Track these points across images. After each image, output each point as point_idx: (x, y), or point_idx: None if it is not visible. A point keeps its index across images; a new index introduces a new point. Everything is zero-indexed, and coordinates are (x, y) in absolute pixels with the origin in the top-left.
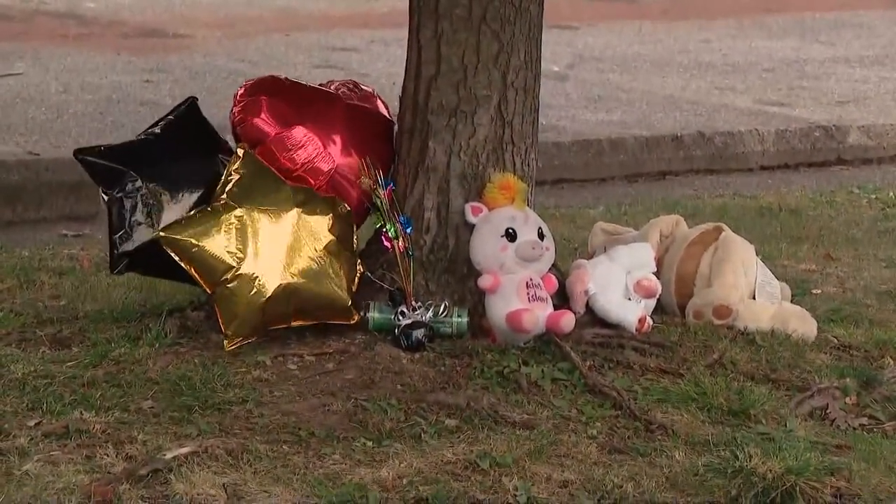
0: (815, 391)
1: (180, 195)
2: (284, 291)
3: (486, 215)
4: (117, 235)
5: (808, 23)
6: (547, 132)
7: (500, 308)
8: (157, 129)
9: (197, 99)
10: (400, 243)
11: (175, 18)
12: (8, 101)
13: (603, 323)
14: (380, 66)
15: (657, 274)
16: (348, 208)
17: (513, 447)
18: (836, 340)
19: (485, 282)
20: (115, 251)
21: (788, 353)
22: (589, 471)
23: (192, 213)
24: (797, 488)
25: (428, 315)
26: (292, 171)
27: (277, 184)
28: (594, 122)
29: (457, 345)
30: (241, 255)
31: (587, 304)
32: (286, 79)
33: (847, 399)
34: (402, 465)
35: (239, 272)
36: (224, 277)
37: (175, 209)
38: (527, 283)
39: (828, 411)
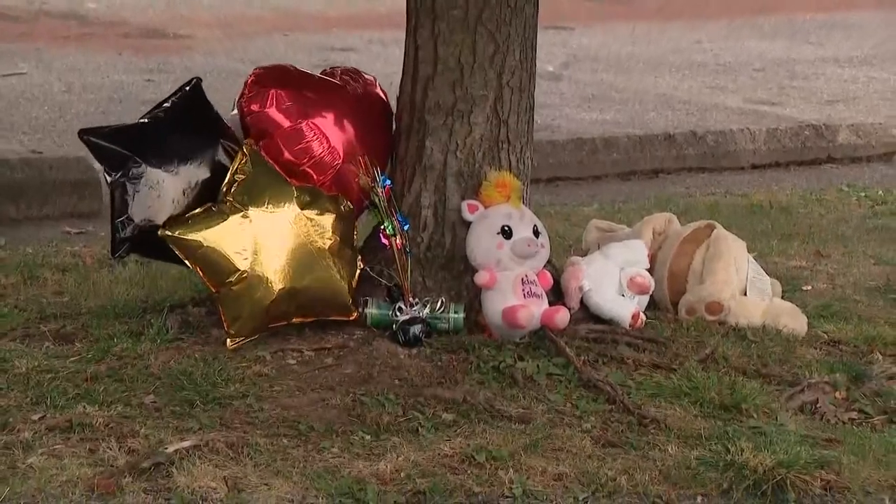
0: (806, 386)
1: (183, 180)
2: (288, 292)
3: (483, 213)
4: (119, 220)
5: (799, 24)
6: (542, 131)
7: (497, 304)
8: (160, 112)
9: (201, 80)
10: (398, 241)
11: (176, 19)
12: (11, 101)
13: (597, 319)
14: (378, 66)
15: (650, 271)
16: (350, 206)
17: (508, 441)
18: (826, 336)
19: (481, 278)
20: (117, 235)
21: (779, 348)
22: (583, 464)
23: (199, 211)
24: (788, 481)
25: (425, 311)
26: (298, 165)
27: (283, 184)
28: (588, 121)
29: (453, 340)
30: (247, 257)
31: (581, 301)
32: (294, 68)
33: (837, 394)
34: (399, 459)
35: (245, 275)
36: (229, 279)
37: (178, 195)
38: (522, 279)
39: (818, 406)
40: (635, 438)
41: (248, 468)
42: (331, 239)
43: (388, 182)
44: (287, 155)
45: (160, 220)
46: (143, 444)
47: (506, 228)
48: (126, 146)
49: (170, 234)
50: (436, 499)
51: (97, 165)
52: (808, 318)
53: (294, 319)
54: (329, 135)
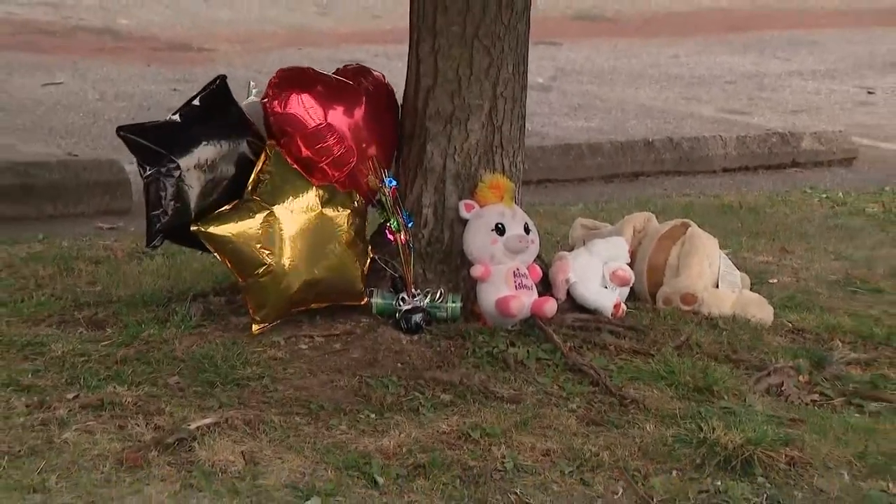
0: (772, 370)
1: (212, 173)
2: (309, 283)
3: (478, 211)
4: (155, 213)
5: (767, 40)
6: (532, 137)
7: (491, 295)
8: (190, 109)
9: (226, 77)
10: (402, 236)
11: (200, 34)
12: (50, 108)
13: (582, 308)
14: None
15: (630, 265)
16: (363, 201)
17: (501, 419)
18: (790, 325)
19: (476, 271)
20: (153, 227)
21: (748, 336)
22: (569, 441)
23: (227, 208)
24: (755, 457)
25: (425, 301)
26: (317, 162)
27: (304, 183)
28: (574, 129)
29: (451, 328)
30: (273, 251)
31: (568, 292)
32: (313, 71)
33: (800, 377)
34: (402, 435)
35: (271, 268)
36: (257, 272)
37: (207, 188)
38: (514, 272)
39: (783, 388)
40: (616, 418)
41: (264, 443)
42: (346, 233)
43: (394, 183)
44: (307, 153)
45: (190, 212)
46: (168, 421)
47: (499, 226)
48: (160, 143)
49: (201, 229)
50: (434, 472)
51: (128, 166)
52: (773, 308)
53: (312, 305)
54: (346, 135)
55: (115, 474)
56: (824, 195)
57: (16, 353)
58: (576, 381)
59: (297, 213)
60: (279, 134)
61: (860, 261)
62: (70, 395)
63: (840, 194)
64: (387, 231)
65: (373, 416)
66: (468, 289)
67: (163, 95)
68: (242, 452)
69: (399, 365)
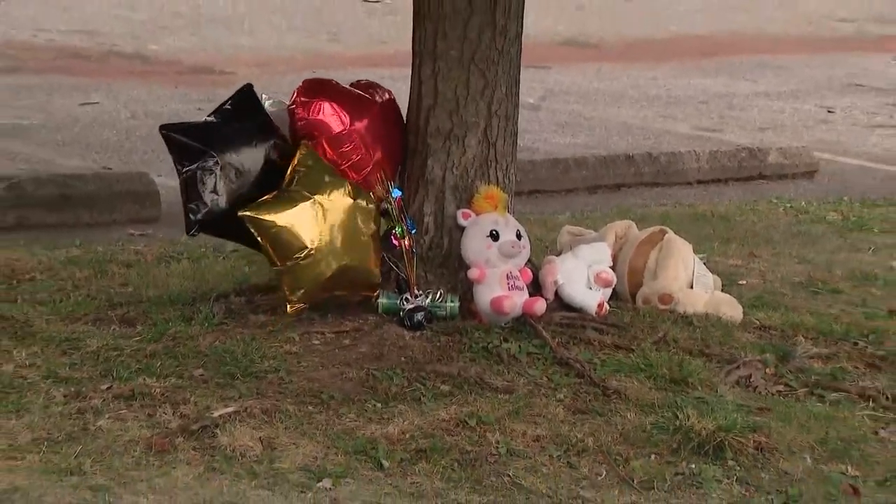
0: (741, 363)
1: (243, 169)
2: (341, 270)
3: (475, 219)
4: (193, 204)
5: (736, 64)
6: (524, 152)
7: (486, 295)
8: (221, 113)
9: (252, 85)
10: (406, 242)
11: (222, 59)
12: (86, 125)
13: (568, 307)
14: None
15: (613, 268)
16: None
17: (495, 408)
18: (758, 322)
19: (473, 274)
20: (191, 217)
21: (719, 332)
22: (557, 428)
23: (270, 197)
24: (726, 443)
25: (427, 300)
26: (339, 165)
27: (336, 177)
28: (562, 144)
29: (450, 325)
30: (312, 238)
31: (556, 292)
32: (336, 83)
33: (767, 370)
34: (405, 423)
35: (310, 252)
36: (296, 256)
37: (239, 183)
38: (507, 274)
39: (751, 380)
40: (600, 407)
41: (280, 430)
42: (372, 227)
43: (399, 193)
44: (331, 155)
45: (224, 204)
46: (193, 409)
47: (494, 232)
48: (200, 140)
49: (249, 214)
50: (435, 456)
51: (157, 179)
52: (743, 307)
53: (336, 292)
54: (365, 141)
55: (144, 458)
56: (788, 205)
57: (55, 348)
58: (563, 374)
59: (334, 202)
60: (307, 138)
61: (821, 264)
62: (104, 386)
63: (803, 204)
64: (392, 237)
65: (379, 405)
66: (465, 289)
67: (189, 114)
68: (260, 438)
69: (403, 359)
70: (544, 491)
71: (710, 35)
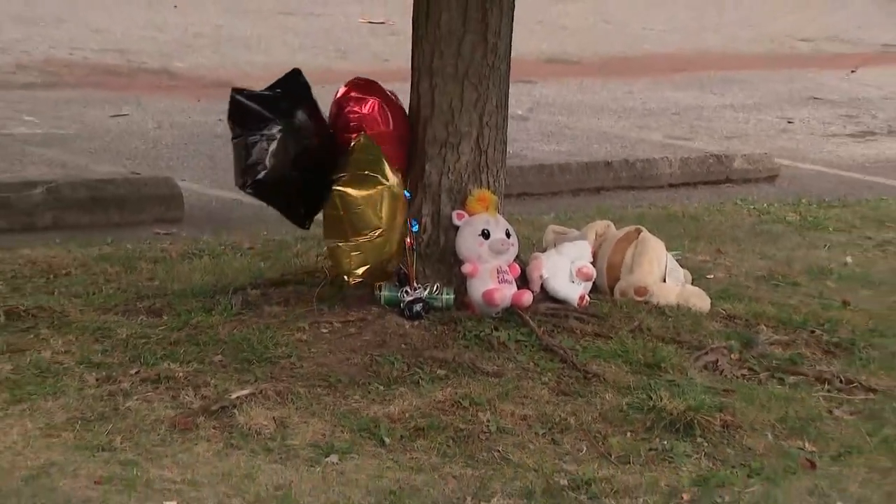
0: (709, 349)
1: (292, 146)
2: (396, 252)
3: (468, 220)
4: (255, 164)
5: (705, 79)
6: (513, 159)
7: (478, 288)
8: (276, 89)
9: (300, 70)
10: (408, 240)
11: (240, 74)
12: (117, 135)
13: (553, 299)
14: None
15: (593, 263)
16: None
17: (486, 390)
18: (724, 312)
19: (466, 269)
20: (249, 179)
21: (689, 321)
22: (542, 408)
23: (350, 176)
24: (695, 421)
25: (425, 293)
26: None
27: (393, 168)
28: (548, 152)
29: (446, 315)
30: (384, 218)
31: (542, 286)
32: (379, 84)
33: (732, 355)
34: (405, 403)
35: (382, 232)
36: (369, 234)
37: (286, 157)
38: (497, 269)
39: (718, 364)
40: (581, 389)
41: (292, 410)
42: (402, 218)
43: (408, 195)
44: None
45: (278, 171)
46: (213, 392)
47: (485, 231)
48: (266, 109)
49: (341, 189)
50: (432, 433)
51: (181, 183)
52: (710, 299)
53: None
54: (396, 142)
55: (169, 436)
56: (752, 206)
57: (88, 337)
58: (548, 359)
59: (393, 190)
60: (351, 131)
61: (781, 260)
62: (132, 371)
63: (765, 205)
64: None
65: (381, 387)
66: (460, 283)
67: (209, 124)
68: (274, 418)
69: (403, 346)
70: (531, 465)
71: (680, 53)
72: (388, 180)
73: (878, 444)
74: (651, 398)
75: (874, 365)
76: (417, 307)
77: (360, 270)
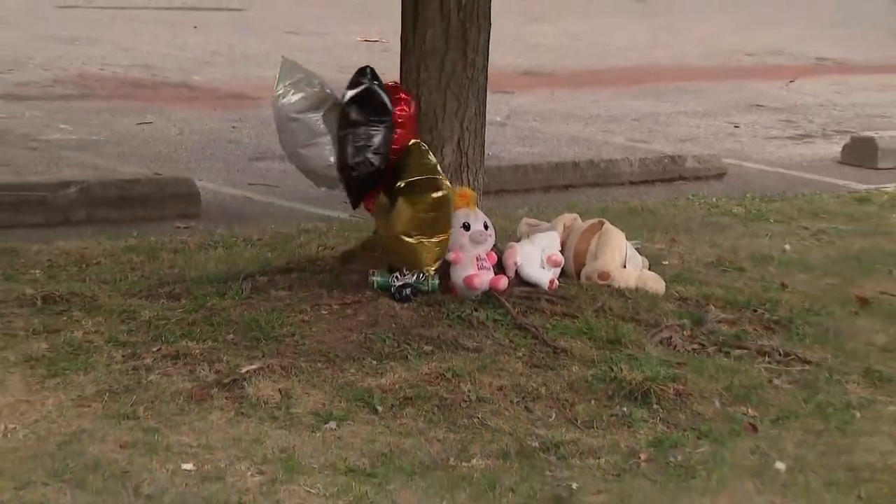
0: (664, 327)
1: (391, 134)
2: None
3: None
4: (375, 150)
5: (661, 89)
6: (491, 160)
7: (460, 274)
8: (362, 90)
9: (368, 67)
10: None
11: (251, 86)
12: (143, 140)
13: (526, 283)
14: None
15: (561, 251)
16: None
17: (467, 364)
18: (677, 294)
19: (450, 257)
20: (362, 163)
21: (647, 302)
22: (516, 379)
23: (430, 178)
24: (651, 390)
25: (413, 278)
26: None
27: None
28: (522, 153)
29: (431, 298)
30: (451, 220)
31: (516, 272)
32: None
33: (684, 332)
34: (395, 376)
35: (447, 235)
36: (447, 232)
37: (388, 144)
38: (477, 257)
39: (672, 340)
40: (551, 362)
41: (295, 383)
42: None
43: None
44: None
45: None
46: (226, 367)
47: (466, 224)
48: (389, 101)
49: (443, 192)
50: (419, 402)
51: (199, 182)
52: (665, 282)
53: None
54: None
55: (186, 405)
56: (702, 201)
57: (115, 318)
58: (521, 336)
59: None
60: (397, 128)
61: (728, 248)
62: (154, 349)
63: (714, 200)
64: None
65: (374, 362)
66: (444, 270)
67: (224, 131)
68: (279, 389)
69: (393, 325)
70: (506, 430)
71: (640, 66)
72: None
73: (812, 409)
74: (612, 370)
75: (809, 340)
76: (406, 291)
77: (436, 264)
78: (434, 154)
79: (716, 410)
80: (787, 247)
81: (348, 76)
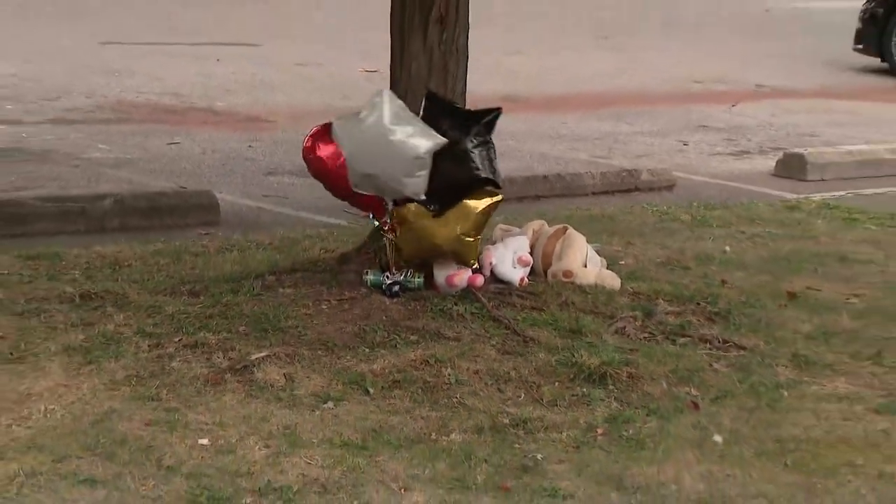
0: (619, 318)
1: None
2: None
3: None
4: (492, 171)
5: (621, 112)
6: None
7: (442, 273)
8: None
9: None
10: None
11: (267, 111)
12: (171, 158)
13: (499, 281)
14: None
15: (531, 253)
16: None
17: (448, 351)
18: (631, 290)
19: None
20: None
21: (604, 297)
22: (491, 364)
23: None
24: (607, 373)
25: (401, 277)
26: None
27: None
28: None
29: (418, 294)
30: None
31: (491, 271)
32: None
33: (637, 323)
34: (385, 362)
35: (479, 237)
36: (482, 233)
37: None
38: None
39: (626, 330)
40: (520, 349)
41: (298, 368)
42: None
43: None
44: None
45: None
46: (238, 354)
47: None
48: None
49: (497, 199)
50: (406, 385)
51: (218, 195)
52: (621, 279)
53: None
54: None
55: (203, 388)
56: (655, 209)
57: (143, 313)
58: (495, 327)
59: None
60: None
61: (676, 249)
62: (176, 339)
63: (665, 208)
64: (382, 232)
65: (367, 350)
66: (428, 270)
67: (242, 149)
68: (284, 374)
69: (384, 318)
70: (481, 408)
71: (604, 93)
72: None
73: (746, 389)
74: (574, 356)
75: (744, 329)
76: (395, 288)
77: (473, 259)
78: None
79: (663, 390)
80: (727, 248)
81: (353, 102)
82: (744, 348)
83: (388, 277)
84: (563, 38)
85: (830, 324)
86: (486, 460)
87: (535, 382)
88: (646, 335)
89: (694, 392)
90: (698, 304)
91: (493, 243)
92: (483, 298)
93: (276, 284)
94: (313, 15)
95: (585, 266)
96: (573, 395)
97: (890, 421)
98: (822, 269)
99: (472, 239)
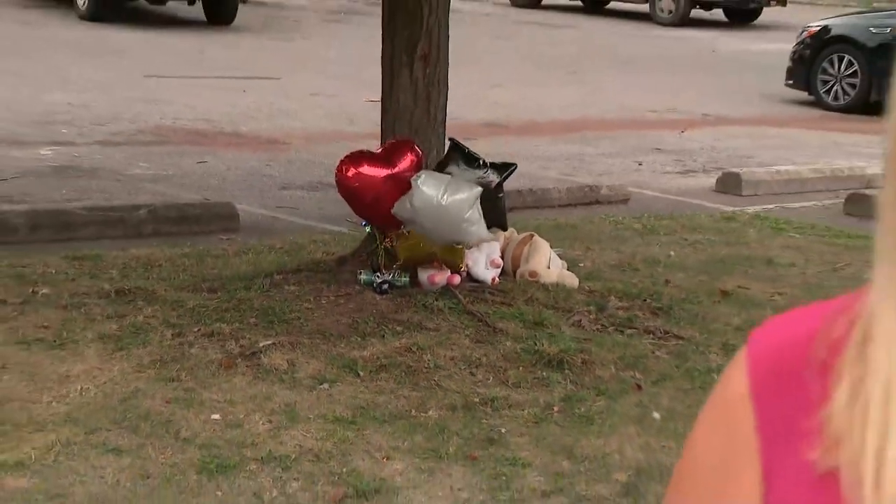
0: (576, 313)
1: None
2: None
3: None
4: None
5: (587, 137)
6: None
7: (425, 273)
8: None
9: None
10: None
11: (284, 135)
12: (200, 175)
13: (474, 280)
14: None
15: (502, 257)
16: None
17: (428, 340)
18: (587, 288)
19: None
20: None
21: (564, 294)
22: (465, 351)
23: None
24: (564, 359)
25: (390, 276)
26: None
27: None
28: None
29: (403, 292)
30: None
31: (467, 272)
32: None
33: (591, 316)
34: (374, 350)
35: None
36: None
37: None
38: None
39: (581, 322)
40: (491, 339)
41: (299, 355)
42: None
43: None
44: None
45: None
46: (247, 342)
47: None
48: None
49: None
50: (391, 369)
51: (238, 206)
52: (579, 279)
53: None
54: None
55: (218, 371)
56: (611, 219)
57: (168, 306)
58: (469, 319)
59: None
60: None
61: (628, 254)
62: (195, 329)
63: (620, 218)
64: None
65: (359, 339)
66: (413, 270)
67: (261, 168)
68: (287, 359)
69: (374, 311)
70: (455, 389)
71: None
72: None
73: (683, 373)
74: (536, 344)
75: (683, 321)
76: (384, 286)
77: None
78: None
79: (611, 374)
80: (672, 253)
81: (358, 128)
82: (682, 338)
83: (378, 277)
84: (537, 73)
85: (757, 318)
86: (457, 433)
87: (502, 367)
88: (598, 327)
89: (638, 376)
90: (645, 300)
91: (469, 248)
92: (459, 295)
93: (283, 282)
94: (325, 53)
95: (549, 268)
96: (534, 378)
97: None
98: (752, 271)
99: (460, 247)
